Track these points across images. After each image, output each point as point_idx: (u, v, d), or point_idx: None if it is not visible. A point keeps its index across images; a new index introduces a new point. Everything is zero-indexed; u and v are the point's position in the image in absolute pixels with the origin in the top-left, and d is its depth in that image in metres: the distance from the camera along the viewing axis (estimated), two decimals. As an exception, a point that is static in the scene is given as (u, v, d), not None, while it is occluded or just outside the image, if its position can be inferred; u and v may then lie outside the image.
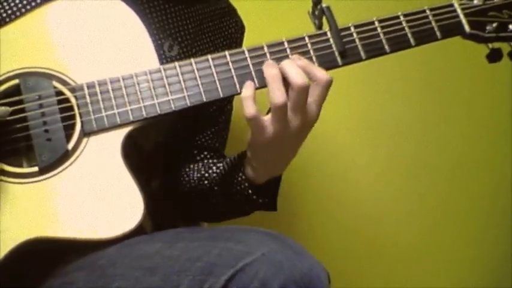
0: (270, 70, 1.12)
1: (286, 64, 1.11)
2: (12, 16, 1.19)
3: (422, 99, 1.98)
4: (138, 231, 1.10)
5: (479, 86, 2.00)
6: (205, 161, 1.38)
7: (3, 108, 1.09)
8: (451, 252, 1.99)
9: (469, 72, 1.97)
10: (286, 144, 1.14)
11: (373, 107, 1.94)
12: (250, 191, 1.21)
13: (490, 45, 1.21)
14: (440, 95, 1.98)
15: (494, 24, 1.20)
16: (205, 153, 1.39)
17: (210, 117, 1.41)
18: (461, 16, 1.21)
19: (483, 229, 2.02)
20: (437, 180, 1.99)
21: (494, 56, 1.21)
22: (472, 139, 2.01)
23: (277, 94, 1.09)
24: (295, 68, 1.10)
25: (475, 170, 2.02)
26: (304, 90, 1.09)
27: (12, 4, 1.20)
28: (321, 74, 1.11)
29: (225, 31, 1.41)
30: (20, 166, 1.12)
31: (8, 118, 1.10)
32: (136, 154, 1.17)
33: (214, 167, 1.32)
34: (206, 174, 1.32)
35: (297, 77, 1.09)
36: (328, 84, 1.12)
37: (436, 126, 1.99)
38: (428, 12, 1.20)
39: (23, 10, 1.19)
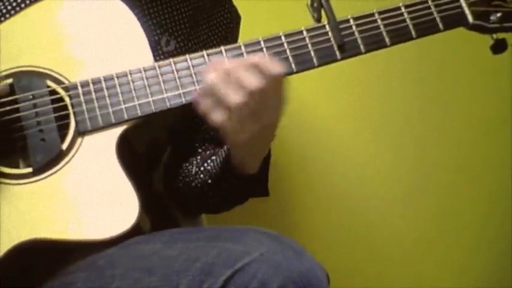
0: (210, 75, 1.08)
1: (237, 68, 1.07)
2: (7, 15, 1.18)
3: (422, 99, 1.95)
4: (136, 231, 1.09)
5: (480, 85, 1.96)
6: (203, 153, 1.37)
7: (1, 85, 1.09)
8: (451, 252, 1.97)
9: (468, 73, 1.94)
10: (262, 139, 1.15)
11: (374, 107, 1.92)
12: (239, 182, 1.22)
13: (494, 36, 1.19)
14: (440, 95, 1.96)
15: (499, 14, 1.18)
16: (207, 145, 1.37)
17: None
18: (464, 6, 1.18)
19: (483, 229, 1.99)
20: (437, 181, 1.97)
21: (498, 47, 1.18)
22: (472, 140, 1.98)
23: (231, 96, 1.06)
24: (247, 71, 1.06)
25: (475, 170, 1.99)
26: (262, 92, 1.06)
27: (7, 3, 1.19)
28: (275, 69, 1.07)
29: (220, 21, 1.39)
30: (17, 166, 1.11)
31: (2, 118, 1.09)
32: (131, 153, 1.17)
33: (208, 160, 1.31)
34: (202, 168, 1.31)
35: (253, 80, 1.06)
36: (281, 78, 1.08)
37: (436, 126, 1.96)
38: (430, 2, 1.18)
39: (17, 9, 1.18)
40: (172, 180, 1.36)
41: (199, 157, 1.35)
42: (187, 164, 1.35)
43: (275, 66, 1.07)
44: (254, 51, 1.14)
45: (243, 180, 1.22)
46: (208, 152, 1.36)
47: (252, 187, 1.24)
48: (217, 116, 1.08)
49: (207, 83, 1.08)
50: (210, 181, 1.27)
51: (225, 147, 1.23)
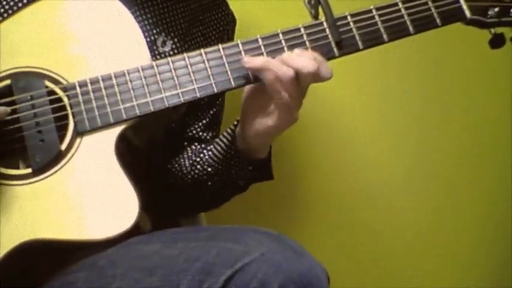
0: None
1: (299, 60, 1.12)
2: (5, 15, 1.18)
3: (421, 99, 1.94)
4: (136, 231, 1.09)
5: (479, 84, 1.96)
6: (194, 148, 1.38)
7: (2, 108, 1.08)
8: (451, 252, 1.96)
9: (469, 72, 1.93)
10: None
11: (372, 106, 1.91)
12: (249, 167, 1.23)
13: (493, 31, 1.19)
14: (439, 94, 1.95)
15: (496, 9, 1.18)
16: (196, 144, 1.38)
17: (201, 110, 1.39)
18: (462, 1, 1.18)
19: (483, 229, 1.99)
20: (437, 181, 1.96)
21: (497, 42, 1.18)
22: (472, 139, 1.98)
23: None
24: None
25: (475, 170, 1.99)
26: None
27: (4, 3, 1.19)
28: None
29: (216, 23, 1.40)
30: (17, 167, 1.11)
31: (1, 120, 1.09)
32: (130, 152, 1.16)
33: (204, 151, 1.31)
34: (198, 159, 1.31)
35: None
36: None
37: (436, 126, 1.96)
38: None
39: (15, 8, 1.18)
40: (165, 179, 1.36)
41: (189, 151, 1.36)
42: (177, 159, 1.36)
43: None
44: (252, 49, 1.14)
45: (254, 165, 1.23)
46: (198, 147, 1.37)
47: (261, 171, 1.25)
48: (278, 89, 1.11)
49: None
50: (209, 169, 1.28)
51: (225, 135, 1.25)
